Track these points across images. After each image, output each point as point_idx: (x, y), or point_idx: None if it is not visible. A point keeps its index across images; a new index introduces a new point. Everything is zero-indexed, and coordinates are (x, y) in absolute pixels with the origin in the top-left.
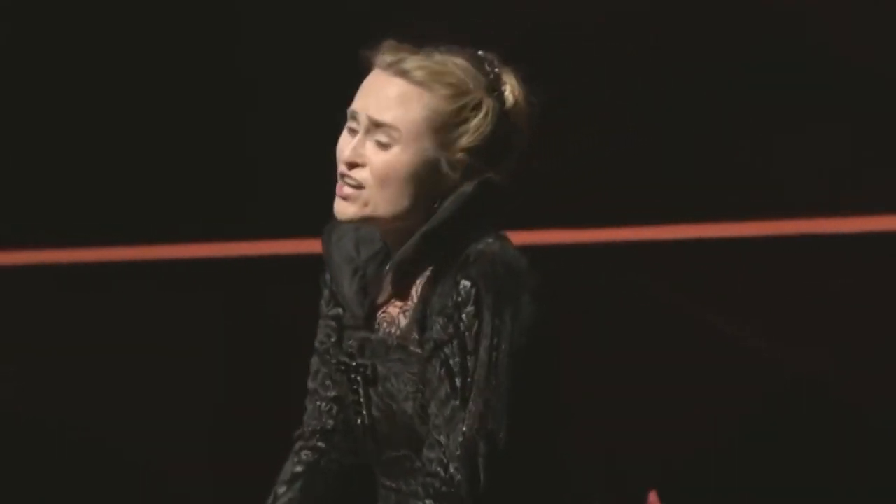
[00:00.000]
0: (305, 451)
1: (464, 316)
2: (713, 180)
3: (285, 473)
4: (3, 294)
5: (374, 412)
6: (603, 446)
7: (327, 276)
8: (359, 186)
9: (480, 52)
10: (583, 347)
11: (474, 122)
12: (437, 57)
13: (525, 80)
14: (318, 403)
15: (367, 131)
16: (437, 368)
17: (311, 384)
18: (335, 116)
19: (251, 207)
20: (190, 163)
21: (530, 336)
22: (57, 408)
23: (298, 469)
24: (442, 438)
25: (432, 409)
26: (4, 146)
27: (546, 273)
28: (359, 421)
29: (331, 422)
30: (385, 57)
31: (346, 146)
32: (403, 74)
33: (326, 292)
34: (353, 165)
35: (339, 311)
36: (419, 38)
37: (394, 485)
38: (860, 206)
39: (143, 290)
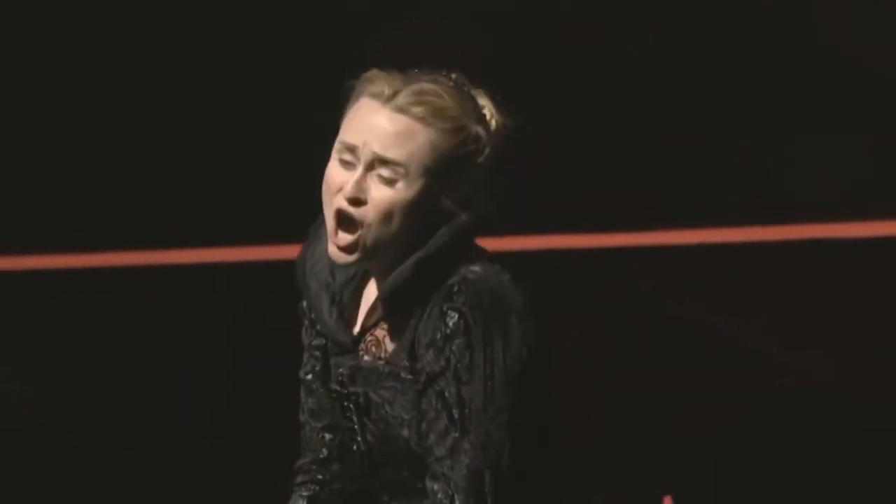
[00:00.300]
0: (307, 485)
1: (454, 348)
2: (718, 184)
3: None
4: (6, 298)
5: (369, 437)
6: (612, 452)
7: (304, 305)
8: (357, 227)
9: (453, 75)
10: (590, 353)
11: (471, 156)
12: (427, 87)
13: (495, 98)
14: (311, 434)
15: (370, 167)
16: (434, 401)
17: (301, 416)
18: (338, 122)
19: (257, 211)
20: (197, 168)
21: (521, 358)
22: (61, 412)
23: (303, 491)
24: (446, 470)
25: (432, 439)
26: (12, 151)
27: (530, 284)
28: (354, 447)
29: (325, 451)
30: (378, 89)
31: (344, 179)
32: (403, 110)
33: (306, 322)
34: (355, 202)
35: (322, 340)
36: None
37: None
38: (867, 210)
39: (148, 294)
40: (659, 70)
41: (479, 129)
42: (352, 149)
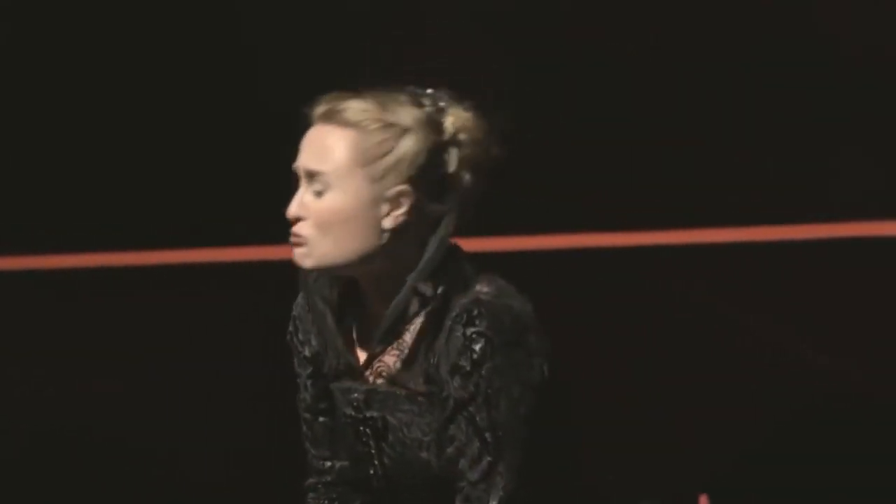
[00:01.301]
0: (318, 500)
1: (483, 373)
2: (728, 183)
3: None
4: (8, 298)
5: (386, 461)
6: (643, 452)
7: (300, 336)
8: (304, 241)
9: (429, 90)
10: (606, 355)
11: (400, 152)
12: (370, 97)
13: (484, 115)
14: (315, 462)
15: (307, 184)
16: (464, 426)
17: (305, 443)
18: None
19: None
20: (200, 168)
21: (544, 374)
22: (66, 412)
23: None
24: (481, 493)
25: (463, 464)
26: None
27: (540, 286)
28: (371, 471)
29: (328, 476)
30: (320, 108)
31: (292, 201)
32: (333, 119)
33: (300, 354)
34: (297, 220)
35: (311, 368)
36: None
37: None
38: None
39: (151, 294)
40: (668, 68)
41: (418, 131)
42: (296, 172)
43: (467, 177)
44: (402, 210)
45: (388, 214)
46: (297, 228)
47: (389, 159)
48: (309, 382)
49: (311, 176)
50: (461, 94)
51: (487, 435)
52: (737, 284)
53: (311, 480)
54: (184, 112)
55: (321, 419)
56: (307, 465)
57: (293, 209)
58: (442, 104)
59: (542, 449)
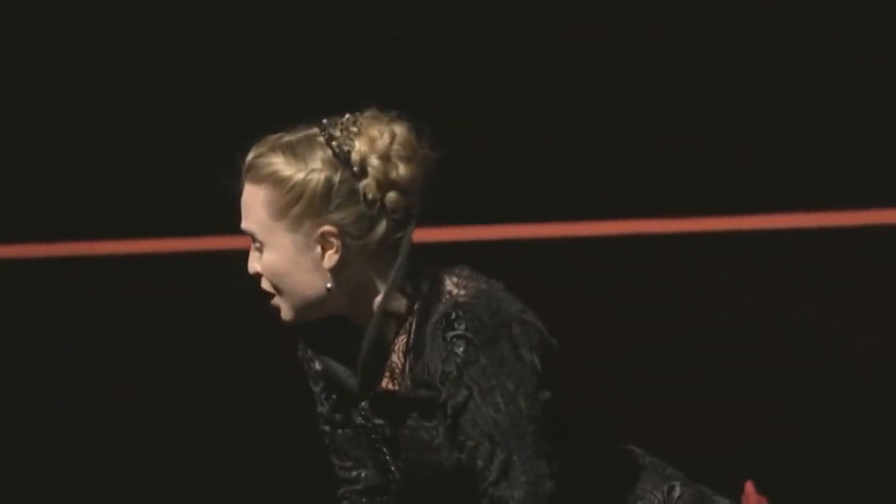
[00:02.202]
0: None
1: (472, 374)
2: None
3: None
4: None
5: (401, 465)
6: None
7: (308, 354)
8: (271, 294)
9: (326, 120)
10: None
11: (308, 196)
12: (284, 145)
13: (412, 128)
14: (342, 473)
15: (252, 243)
16: (469, 429)
17: (330, 455)
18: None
19: None
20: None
21: (534, 361)
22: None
23: None
24: (503, 492)
25: (479, 466)
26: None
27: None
28: (389, 477)
29: (358, 485)
30: (244, 165)
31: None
32: (249, 177)
33: (311, 370)
34: (256, 276)
35: (326, 382)
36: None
37: None
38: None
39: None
40: (664, 58)
41: (323, 170)
42: None
43: (393, 195)
44: (335, 248)
45: (323, 256)
46: (263, 285)
47: (300, 206)
48: (323, 396)
49: (250, 236)
50: (389, 107)
51: (494, 434)
52: (758, 271)
53: (341, 490)
54: (187, 102)
55: (340, 431)
56: (335, 475)
57: (250, 267)
58: (353, 129)
59: (557, 433)
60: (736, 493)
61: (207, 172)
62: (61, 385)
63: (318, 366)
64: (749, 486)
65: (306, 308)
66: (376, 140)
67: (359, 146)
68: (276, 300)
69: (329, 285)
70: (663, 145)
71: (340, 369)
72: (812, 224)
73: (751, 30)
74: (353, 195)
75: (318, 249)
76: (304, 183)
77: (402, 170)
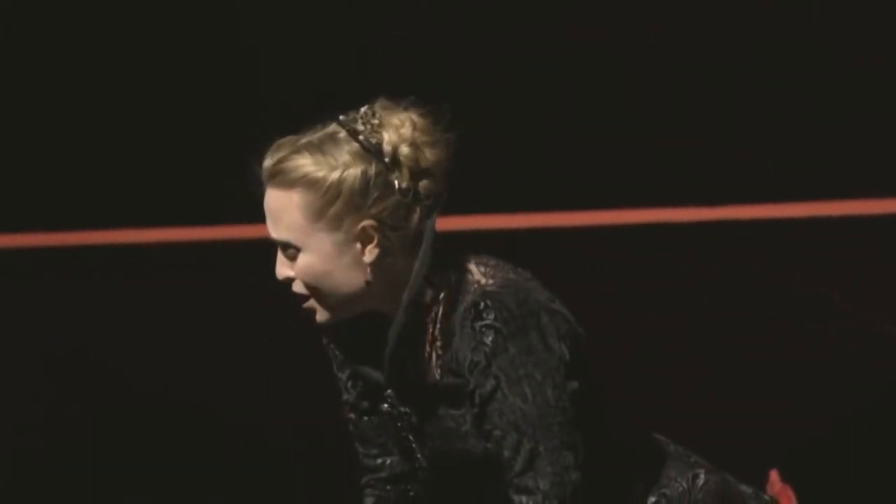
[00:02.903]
0: (374, 488)
1: (501, 364)
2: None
3: None
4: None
5: (428, 453)
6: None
7: (337, 349)
8: (306, 297)
9: (361, 110)
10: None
11: (345, 193)
12: (306, 145)
13: (426, 113)
14: (367, 461)
15: (281, 249)
16: (497, 420)
17: (354, 442)
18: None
19: None
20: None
21: (562, 351)
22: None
23: (370, 501)
24: (530, 482)
25: (506, 456)
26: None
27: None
28: (416, 464)
29: (383, 473)
30: (265, 169)
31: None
32: (277, 182)
33: (337, 358)
34: (288, 283)
35: (351, 370)
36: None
37: None
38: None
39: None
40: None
41: (355, 166)
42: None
43: (425, 182)
44: (375, 241)
45: (363, 252)
46: (294, 288)
47: (338, 205)
48: (350, 384)
49: (281, 243)
50: (398, 96)
51: (521, 424)
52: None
53: (365, 478)
54: (196, 91)
55: (366, 418)
56: (360, 463)
57: (279, 273)
58: (375, 121)
59: (584, 423)
60: (760, 482)
61: (203, 163)
62: (68, 374)
63: (343, 354)
64: (774, 475)
65: (344, 306)
66: (400, 128)
67: (387, 137)
68: (311, 303)
69: (368, 279)
70: (690, 133)
71: (366, 359)
72: (836, 212)
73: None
74: (388, 187)
75: (358, 245)
76: (341, 181)
77: (430, 155)
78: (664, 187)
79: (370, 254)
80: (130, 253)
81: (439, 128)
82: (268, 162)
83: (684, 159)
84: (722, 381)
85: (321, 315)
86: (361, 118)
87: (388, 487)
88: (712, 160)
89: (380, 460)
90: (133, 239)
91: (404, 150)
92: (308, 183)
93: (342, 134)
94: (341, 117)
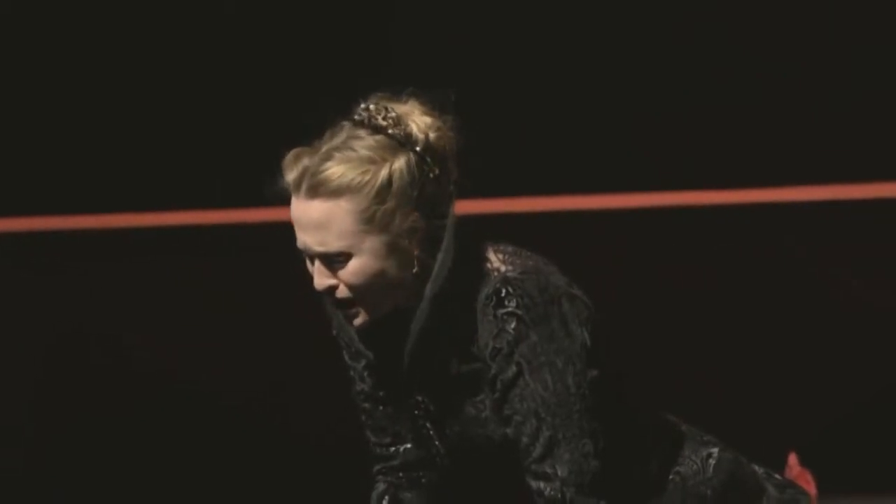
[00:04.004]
0: (387, 474)
1: (523, 351)
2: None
3: (372, 498)
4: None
5: (448, 440)
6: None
7: (344, 335)
8: (350, 302)
9: (358, 115)
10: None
11: (394, 189)
12: (318, 161)
13: (432, 102)
14: (379, 450)
15: (322, 260)
16: (517, 406)
17: (366, 431)
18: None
19: None
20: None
21: (583, 337)
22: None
23: (381, 488)
24: (548, 468)
25: (524, 442)
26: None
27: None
28: (433, 451)
29: (394, 461)
30: (289, 178)
31: (314, 276)
32: (315, 194)
33: (349, 349)
34: (330, 290)
35: (365, 360)
36: None
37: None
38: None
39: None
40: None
41: (397, 160)
42: (303, 249)
43: (451, 165)
44: (421, 233)
45: (411, 244)
46: (337, 295)
47: (389, 202)
48: (366, 373)
49: (325, 256)
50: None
51: (541, 411)
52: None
53: (377, 467)
54: (212, 73)
55: (381, 407)
56: (371, 452)
57: (321, 284)
58: (393, 114)
59: (602, 411)
60: (780, 465)
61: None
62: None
63: (358, 344)
64: (792, 458)
65: (387, 304)
66: (420, 117)
67: (413, 127)
68: (353, 310)
69: (415, 270)
70: (719, 113)
71: (384, 350)
72: (868, 195)
73: None
74: (425, 176)
75: (406, 241)
76: (390, 178)
77: (451, 140)
78: (682, 171)
79: (418, 245)
80: (141, 236)
81: (446, 114)
82: (294, 175)
83: (705, 142)
84: (739, 365)
85: (362, 319)
86: (376, 113)
87: (401, 475)
88: (741, 143)
89: (393, 448)
90: (145, 222)
91: (432, 136)
92: (356, 188)
93: (363, 132)
94: (357, 116)
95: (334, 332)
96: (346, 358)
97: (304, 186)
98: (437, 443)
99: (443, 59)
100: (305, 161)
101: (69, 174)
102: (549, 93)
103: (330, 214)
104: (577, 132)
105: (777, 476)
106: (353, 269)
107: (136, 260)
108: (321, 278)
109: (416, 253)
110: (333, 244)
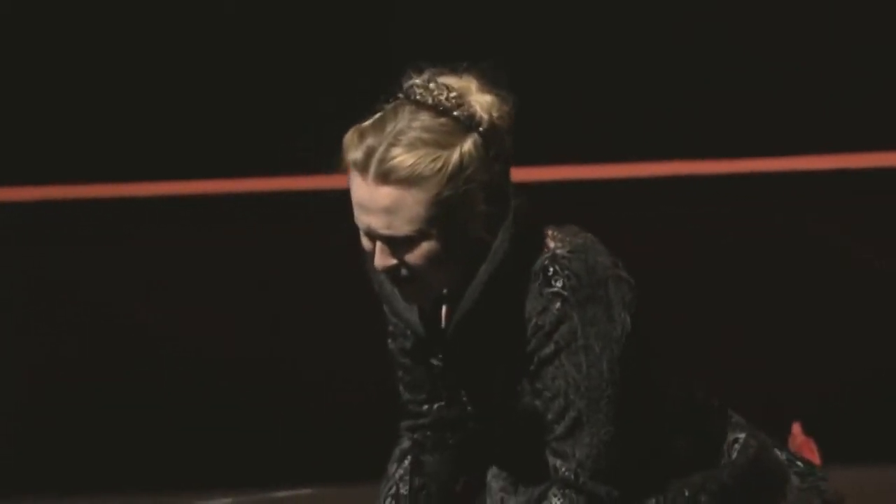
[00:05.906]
0: (412, 438)
1: (564, 331)
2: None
3: (394, 454)
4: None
5: (476, 405)
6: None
7: (389, 298)
8: (411, 280)
9: (430, 84)
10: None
11: (464, 170)
12: (389, 146)
13: (488, 78)
14: (412, 407)
15: (386, 242)
16: (549, 381)
17: (399, 386)
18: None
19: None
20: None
21: (626, 321)
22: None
23: (406, 445)
24: (567, 448)
25: (549, 420)
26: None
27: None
28: (464, 414)
29: (424, 419)
30: (353, 157)
31: (374, 256)
32: (384, 181)
33: (388, 307)
34: (390, 269)
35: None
36: None
37: (511, 474)
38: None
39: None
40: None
41: (466, 143)
42: (364, 230)
43: (509, 140)
44: (486, 214)
45: (476, 226)
46: (399, 275)
47: (458, 188)
48: (408, 332)
49: (393, 239)
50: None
51: (570, 392)
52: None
53: (405, 423)
54: (236, 39)
55: (418, 366)
56: (401, 408)
57: (383, 264)
58: (454, 93)
59: (632, 399)
60: (783, 435)
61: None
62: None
63: (404, 311)
64: (796, 428)
65: (448, 283)
66: (479, 94)
67: (475, 105)
68: (415, 288)
69: (477, 249)
70: (744, 84)
71: (414, 321)
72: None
73: None
74: (490, 157)
75: (474, 222)
76: (460, 161)
77: (509, 116)
78: (702, 138)
79: (488, 221)
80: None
81: (501, 88)
82: (359, 155)
83: (729, 110)
84: (746, 336)
85: (420, 296)
86: (437, 91)
87: (428, 433)
88: (776, 111)
89: (426, 406)
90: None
91: (495, 115)
92: (427, 176)
93: (426, 114)
94: (416, 97)
95: (375, 287)
96: (387, 312)
97: (371, 171)
98: (469, 408)
99: (442, 60)
100: (370, 141)
101: (84, 143)
102: (549, 88)
103: (400, 201)
104: (576, 131)
105: (799, 463)
106: (420, 252)
107: (147, 231)
108: (384, 259)
109: (480, 234)
110: (402, 229)
